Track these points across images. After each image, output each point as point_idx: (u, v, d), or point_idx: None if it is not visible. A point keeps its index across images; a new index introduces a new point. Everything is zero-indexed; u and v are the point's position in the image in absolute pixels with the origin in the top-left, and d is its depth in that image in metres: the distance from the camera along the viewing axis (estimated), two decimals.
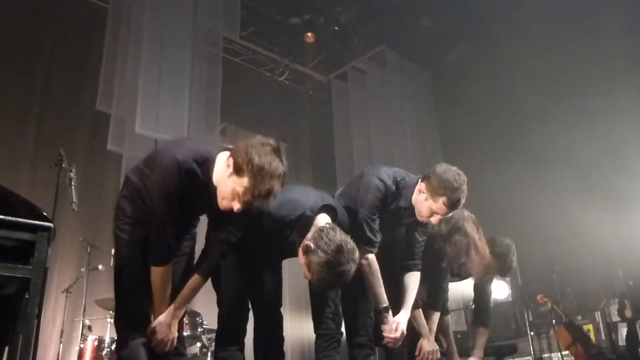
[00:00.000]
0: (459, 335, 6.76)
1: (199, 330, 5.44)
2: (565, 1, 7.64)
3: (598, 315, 7.77)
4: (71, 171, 3.59)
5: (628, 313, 7.08)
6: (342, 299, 3.34)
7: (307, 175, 9.56)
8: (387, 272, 3.29)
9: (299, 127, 10.14)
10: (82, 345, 5.32)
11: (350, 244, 2.63)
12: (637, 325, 6.98)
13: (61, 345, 5.68)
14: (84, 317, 5.57)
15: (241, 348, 2.96)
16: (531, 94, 8.49)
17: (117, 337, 2.63)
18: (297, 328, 7.04)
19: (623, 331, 7.28)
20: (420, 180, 3.23)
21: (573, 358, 6.97)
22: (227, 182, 2.43)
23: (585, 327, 7.69)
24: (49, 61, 7.18)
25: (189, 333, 5.32)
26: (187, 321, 5.29)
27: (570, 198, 7.47)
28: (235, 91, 8.47)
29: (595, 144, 7.20)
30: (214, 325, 5.62)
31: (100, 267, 5.70)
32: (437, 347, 3.68)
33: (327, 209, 2.89)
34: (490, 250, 3.71)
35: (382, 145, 9.36)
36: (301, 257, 2.68)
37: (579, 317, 7.87)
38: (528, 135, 8.23)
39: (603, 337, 7.59)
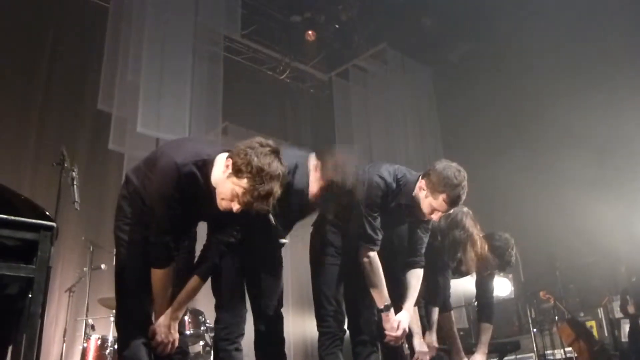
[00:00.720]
0: (461, 332, 6.75)
1: (202, 328, 5.44)
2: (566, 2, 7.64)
3: (601, 312, 7.76)
4: (73, 170, 3.58)
5: (631, 309, 7.07)
6: (345, 297, 3.35)
7: None
8: (389, 270, 3.29)
9: (300, 125, 10.14)
10: (85, 345, 5.33)
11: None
12: None
13: (64, 344, 5.69)
14: (87, 316, 5.59)
15: (238, 348, 2.95)
16: (532, 92, 8.48)
17: (118, 337, 2.64)
18: (300, 326, 7.05)
19: (626, 327, 7.28)
20: (420, 177, 3.23)
21: (576, 354, 6.97)
22: (226, 182, 2.43)
23: (588, 324, 7.69)
24: (51, 61, 7.18)
25: (192, 332, 5.32)
26: (189, 320, 5.29)
27: (573, 195, 7.46)
28: (237, 90, 8.47)
29: (597, 141, 7.20)
30: None
31: (102, 266, 5.70)
32: (426, 349, 3.65)
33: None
34: (489, 245, 3.72)
35: (383, 143, 9.36)
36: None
37: (582, 314, 7.86)
38: (529, 132, 8.24)
39: (606, 334, 7.58)
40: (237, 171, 2.37)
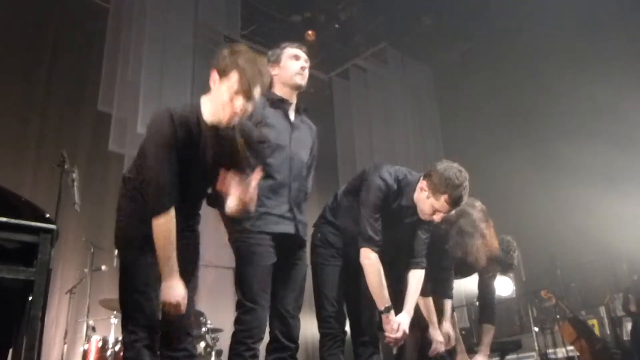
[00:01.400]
0: (463, 332, 6.75)
1: (203, 329, 5.43)
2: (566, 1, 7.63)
3: (602, 310, 7.75)
4: (73, 172, 3.59)
5: (632, 308, 7.07)
6: (346, 298, 3.34)
7: None
8: (390, 271, 3.28)
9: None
10: (86, 346, 5.31)
11: None
12: None
13: (65, 345, 5.67)
14: (87, 317, 5.57)
15: (256, 355, 2.87)
16: (533, 91, 8.48)
17: (122, 338, 2.59)
18: (301, 327, 7.04)
19: (628, 326, 7.28)
20: (421, 178, 3.22)
21: (578, 353, 6.96)
22: (217, 96, 2.53)
23: (590, 322, 7.68)
24: (51, 62, 7.17)
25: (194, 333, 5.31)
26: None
27: (574, 193, 7.46)
28: None
29: (599, 139, 7.17)
30: (218, 325, 5.67)
31: (103, 267, 5.69)
32: (442, 339, 3.66)
33: None
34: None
35: (384, 143, 9.35)
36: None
37: (584, 312, 7.85)
38: (529, 131, 8.23)
39: (608, 332, 7.57)
40: (222, 75, 2.55)
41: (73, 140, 7.01)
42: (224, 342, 6.11)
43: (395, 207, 3.27)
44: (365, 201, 3.21)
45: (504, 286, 7.76)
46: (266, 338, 2.95)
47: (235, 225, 2.92)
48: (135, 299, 2.51)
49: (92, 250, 5.76)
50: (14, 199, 2.37)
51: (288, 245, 3.00)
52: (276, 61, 3.23)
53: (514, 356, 6.89)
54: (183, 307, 2.47)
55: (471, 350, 4.24)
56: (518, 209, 7.94)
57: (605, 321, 7.66)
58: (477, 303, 4.36)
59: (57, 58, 7.22)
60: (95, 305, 5.62)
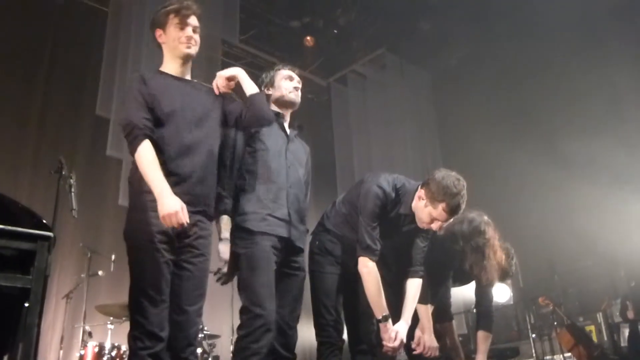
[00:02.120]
0: (460, 338, 6.73)
1: (200, 335, 5.42)
2: (565, 2, 7.63)
3: (600, 317, 7.75)
4: (71, 178, 3.57)
5: (630, 314, 7.07)
6: (344, 306, 3.33)
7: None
8: (388, 280, 3.28)
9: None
10: (82, 352, 5.29)
11: None
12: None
13: (61, 351, 5.66)
14: (84, 323, 5.55)
15: None
16: (532, 97, 8.49)
17: (128, 342, 2.54)
18: (299, 335, 7.02)
19: (625, 332, 7.28)
20: (419, 186, 3.22)
21: None
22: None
23: (588, 329, 7.68)
24: (49, 66, 7.17)
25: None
26: None
27: (571, 199, 7.47)
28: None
29: (596, 145, 7.18)
30: (215, 331, 5.65)
31: (100, 272, 5.67)
32: (437, 345, 3.66)
33: None
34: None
35: (382, 149, 9.35)
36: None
37: (581, 319, 7.85)
38: (529, 136, 8.24)
39: (605, 338, 7.57)
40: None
41: (71, 145, 7.00)
42: (221, 348, 6.10)
43: (393, 216, 3.27)
44: (363, 209, 3.20)
45: (501, 293, 7.76)
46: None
47: (237, 229, 2.92)
48: (141, 302, 2.46)
49: (89, 255, 5.74)
50: (12, 205, 2.36)
51: (284, 250, 2.99)
52: (270, 82, 3.33)
53: None
54: (182, 216, 2.43)
55: (469, 358, 4.23)
56: (516, 215, 7.94)
57: (603, 327, 7.66)
58: (475, 310, 4.35)
59: (55, 63, 7.22)
60: (91, 311, 5.60)
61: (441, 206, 3.07)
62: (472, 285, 4.20)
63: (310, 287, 3.33)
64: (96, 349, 5.20)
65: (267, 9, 8.90)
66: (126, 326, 2.53)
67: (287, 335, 2.96)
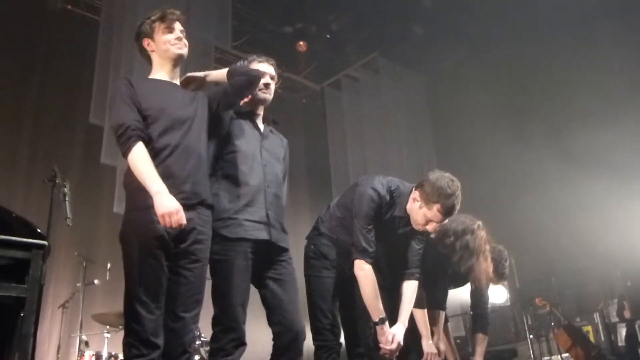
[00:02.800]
0: (457, 341, 6.74)
1: (197, 342, 5.40)
2: (559, 5, 7.66)
3: (597, 317, 7.76)
4: (65, 187, 3.56)
5: (627, 314, 7.09)
6: (341, 310, 3.33)
7: (302, 184, 9.53)
8: (382, 284, 3.27)
9: (293, 136, 10.12)
10: None
11: None
12: (637, 326, 6.99)
13: None
14: (80, 332, 5.53)
15: None
16: (526, 100, 8.51)
17: (123, 350, 2.52)
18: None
19: (622, 332, 7.29)
20: (414, 188, 3.23)
21: None
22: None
23: (585, 329, 7.69)
24: (42, 74, 7.17)
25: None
26: None
27: (568, 200, 7.48)
28: None
29: (592, 147, 7.21)
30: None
31: (96, 281, 5.66)
32: (435, 350, 3.66)
33: None
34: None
35: (376, 153, 9.36)
36: None
37: (578, 319, 7.86)
38: (523, 139, 8.26)
39: (602, 338, 7.58)
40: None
41: (65, 153, 6.99)
42: None
43: (388, 218, 3.27)
44: (358, 212, 3.20)
45: (498, 294, 7.76)
46: (262, 349, 2.93)
47: (214, 235, 2.83)
48: (136, 309, 2.42)
49: (84, 264, 5.72)
50: (5, 214, 2.35)
51: (266, 252, 2.91)
52: None
53: None
54: (179, 217, 2.42)
55: (466, 359, 4.23)
56: (512, 217, 7.96)
57: (600, 327, 7.67)
58: (471, 312, 4.35)
59: (49, 71, 7.22)
60: (88, 320, 5.57)
61: (436, 207, 3.08)
62: (468, 287, 4.20)
63: (307, 291, 3.33)
64: (93, 358, 5.18)
65: (260, 15, 8.91)
66: (123, 335, 2.50)
67: (298, 333, 2.85)
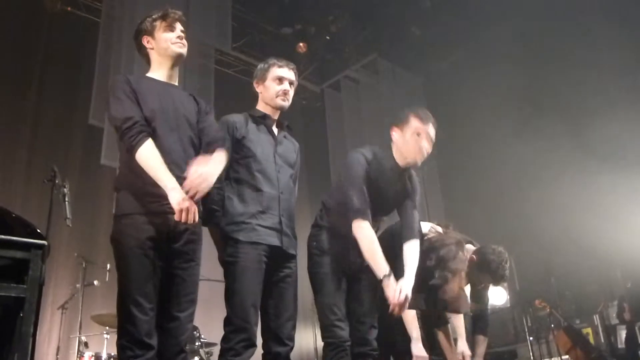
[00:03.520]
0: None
1: (197, 344, 5.40)
2: (557, 6, 7.67)
3: (597, 318, 7.76)
4: (64, 187, 3.55)
5: (627, 315, 7.07)
6: (347, 304, 3.28)
7: (302, 185, 9.48)
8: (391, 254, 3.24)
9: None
10: None
11: None
12: (637, 328, 6.98)
13: None
14: (80, 333, 5.52)
15: None
16: (525, 100, 8.51)
17: (117, 352, 2.51)
18: (296, 339, 7.01)
19: (622, 334, 7.28)
20: (391, 132, 3.35)
21: None
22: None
23: (585, 331, 7.68)
24: (41, 76, 7.17)
25: (187, 347, 5.27)
26: None
27: (567, 202, 7.48)
28: (228, 103, 8.46)
29: (590, 147, 7.22)
30: (212, 339, 5.63)
31: (95, 282, 5.64)
32: (426, 355, 3.62)
33: None
34: (483, 258, 3.69)
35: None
36: None
37: (578, 321, 7.86)
38: (522, 141, 8.25)
39: (602, 340, 7.58)
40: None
41: (64, 154, 6.99)
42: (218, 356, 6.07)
43: (378, 176, 3.25)
44: (347, 177, 3.20)
45: (498, 296, 7.75)
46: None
47: (227, 238, 2.90)
48: (129, 309, 2.40)
49: (84, 265, 5.71)
50: (5, 214, 2.34)
51: (276, 258, 2.96)
52: (261, 79, 3.29)
53: None
54: (195, 214, 2.44)
55: None
56: (511, 218, 7.96)
57: (600, 329, 7.66)
58: (471, 314, 4.33)
59: (48, 72, 7.22)
60: (87, 321, 5.56)
61: (412, 120, 3.26)
62: (468, 287, 4.19)
63: (312, 288, 3.28)
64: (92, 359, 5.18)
65: (259, 16, 8.93)
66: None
67: (288, 345, 2.93)
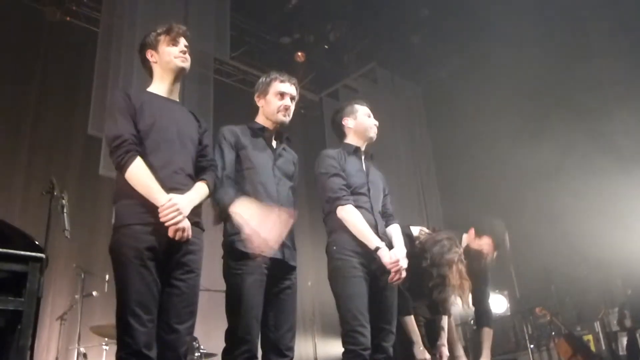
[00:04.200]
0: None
1: (196, 355, 5.37)
2: (557, 13, 7.69)
3: (598, 325, 7.73)
4: (63, 198, 3.55)
5: (628, 322, 7.04)
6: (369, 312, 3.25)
7: (301, 195, 9.49)
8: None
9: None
10: None
11: None
12: (638, 335, 6.95)
13: None
14: (79, 344, 5.50)
15: None
16: (523, 109, 8.52)
17: None
18: (302, 346, 7.02)
19: (623, 340, 7.25)
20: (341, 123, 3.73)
21: None
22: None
23: (585, 338, 7.65)
24: (40, 86, 7.18)
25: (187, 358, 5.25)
26: None
27: (567, 209, 7.47)
28: (227, 112, 8.47)
29: (592, 155, 7.21)
30: (211, 350, 5.61)
31: (94, 293, 5.63)
32: (428, 356, 3.62)
33: None
34: (482, 229, 3.83)
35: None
36: None
37: (579, 328, 7.82)
38: (521, 150, 8.26)
39: (603, 347, 7.54)
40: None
41: (63, 164, 6.99)
42: None
43: (350, 162, 3.50)
44: (320, 174, 3.39)
45: (498, 304, 7.75)
46: None
47: (228, 249, 2.91)
48: (128, 321, 2.38)
49: (82, 276, 5.70)
50: (3, 226, 2.34)
51: (277, 270, 2.96)
52: (263, 93, 3.29)
53: None
54: (189, 233, 2.52)
55: None
56: (510, 225, 7.92)
57: (601, 336, 7.63)
58: (473, 309, 4.31)
59: (47, 82, 7.23)
60: (86, 332, 5.55)
61: (358, 108, 3.75)
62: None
63: (333, 294, 3.25)
64: None
65: (258, 25, 8.95)
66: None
67: (288, 357, 2.91)
